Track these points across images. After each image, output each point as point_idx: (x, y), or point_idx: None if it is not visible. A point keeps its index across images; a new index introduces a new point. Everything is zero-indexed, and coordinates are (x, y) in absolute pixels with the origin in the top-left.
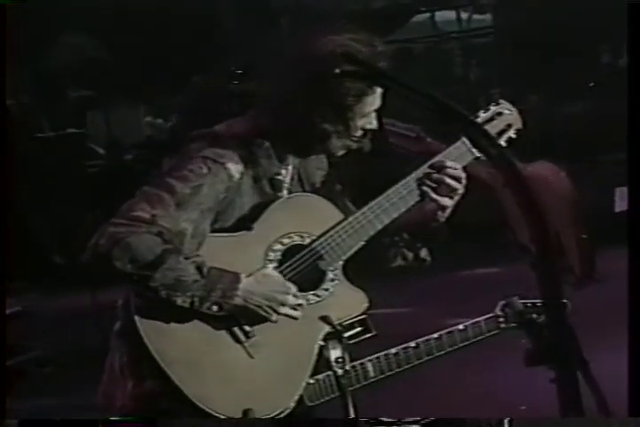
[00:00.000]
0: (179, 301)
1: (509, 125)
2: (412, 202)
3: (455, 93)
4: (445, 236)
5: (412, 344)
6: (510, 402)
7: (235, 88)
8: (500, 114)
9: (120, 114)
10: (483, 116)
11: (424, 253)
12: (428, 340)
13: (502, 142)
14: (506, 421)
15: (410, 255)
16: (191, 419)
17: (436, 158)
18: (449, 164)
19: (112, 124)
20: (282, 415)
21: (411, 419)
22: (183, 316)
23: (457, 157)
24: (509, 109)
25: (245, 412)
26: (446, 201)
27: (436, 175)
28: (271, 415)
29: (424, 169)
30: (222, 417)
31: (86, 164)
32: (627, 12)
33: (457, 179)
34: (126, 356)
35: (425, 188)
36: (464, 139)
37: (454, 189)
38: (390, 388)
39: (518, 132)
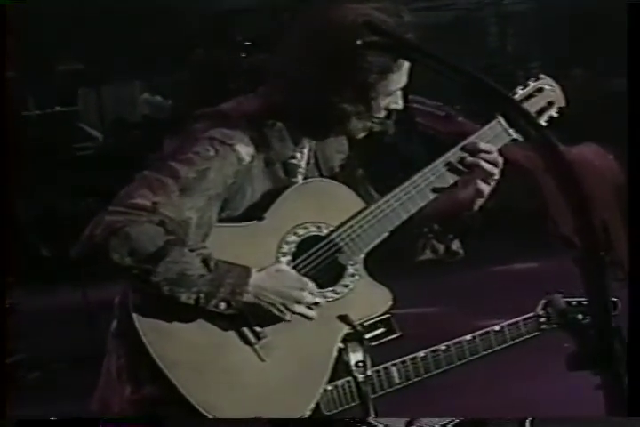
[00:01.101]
0: (183, 297)
1: (551, 103)
2: (442, 189)
3: (490, 67)
4: (479, 226)
5: (442, 347)
6: (550, 411)
7: (243, 62)
8: (540, 90)
9: (114, 90)
10: (521, 92)
11: (456, 245)
12: (459, 342)
13: (543, 122)
14: (527, 421)
15: (440, 248)
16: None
17: (469, 140)
18: (483, 146)
19: (105, 102)
20: None
21: (425, 420)
22: (187, 314)
23: (492, 139)
24: (551, 85)
25: (262, 419)
26: (482, 187)
27: (469, 159)
28: None
29: (455, 152)
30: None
31: (76, 146)
32: (627, 12)
33: (492, 163)
34: (124, 358)
35: (456, 173)
36: (500, 118)
37: (490, 174)
38: (414, 395)
39: (561, 110)
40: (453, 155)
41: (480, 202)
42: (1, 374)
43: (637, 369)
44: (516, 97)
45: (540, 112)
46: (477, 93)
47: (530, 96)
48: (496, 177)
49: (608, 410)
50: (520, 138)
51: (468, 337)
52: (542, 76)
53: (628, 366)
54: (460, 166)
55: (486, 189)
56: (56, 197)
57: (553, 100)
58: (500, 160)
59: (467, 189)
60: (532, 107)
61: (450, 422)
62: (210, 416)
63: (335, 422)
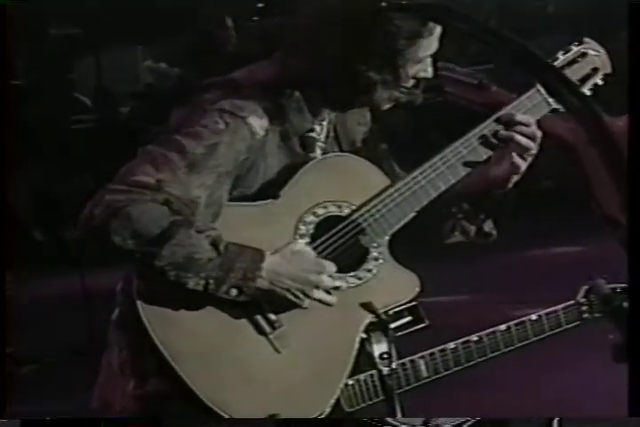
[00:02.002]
0: (190, 283)
1: (595, 69)
2: (475, 164)
3: (529, 31)
4: (513, 205)
5: (474, 338)
6: (588, 411)
7: (256, 25)
8: (583, 55)
9: (113, 57)
10: (562, 58)
11: (488, 226)
12: (493, 333)
13: (586, 90)
14: (555, 421)
15: (471, 229)
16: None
17: (505, 111)
18: (520, 117)
19: (104, 70)
20: None
21: (442, 419)
22: (195, 302)
23: (530, 110)
24: (596, 50)
25: (270, 418)
26: (518, 162)
27: (503, 132)
28: None
29: (489, 124)
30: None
31: (72, 118)
32: (627, 11)
33: (529, 136)
34: (126, 351)
35: (490, 147)
36: (539, 86)
37: (526, 149)
38: (433, 391)
39: (606, 77)
40: (487, 127)
41: (515, 179)
42: (1, 373)
43: (637, 369)
44: (557, 63)
45: (584, 80)
46: (514, 59)
47: (572, 62)
48: (533, 152)
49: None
50: (561, 108)
51: (503, 327)
52: (587, 39)
53: (630, 366)
54: (495, 140)
55: (522, 164)
56: (49, 175)
57: (598, 66)
58: (539, 133)
59: (500, 164)
60: (574, 74)
61: (465, 421)
62: (220, 413)
63: (345, 422)
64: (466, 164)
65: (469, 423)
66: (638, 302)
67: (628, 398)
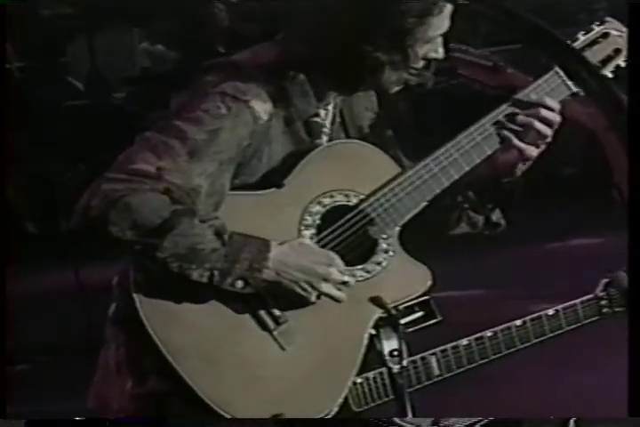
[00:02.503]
0: (194, 275)
1: (618, 51)
2: (489, 151)
3: (546, 9)
4: (521, 194)
5: (489, 334)
6: (607, 411)
7: (257, 6)
8: (605, 36)
9: (108, 39)
10: (583, 38)
11: (496, 215)
12: (508, 328)
13: (607, 73)
14: (572, 421)
15: (478, 219)
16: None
17: (522, 94)
18: (545, 101)
19: (98, 53)
20: None
21: (452, 420)
22: (197, 295)
23: (548, 93)
24: (618, 30)
25: (274, 418)
26: (531, 150)
27: (521, 117)
28: None
29: (505, 108)
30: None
31: (65, 104)
32: (627, 12)
33: (550, 122)
34: (124, 348)
35: (506, 132)
36: (557, 69)
37: (543, 136)
38: (452, 389)
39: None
40: (503, 112)
41: (524, 167)
42: (2, 374)
43: (637, 369)
44: (577, 44)
45: (605, 61)
46: (531, 40)
47: (593, 43)
48: (549, 139)
49: None
50: (581, 92)
51: (518, 322)
52: (608, 19)
53: (629, 366)
54: (511, 125)
55: (534, 152)
56: (42, 164)
57: (620, 47)
58: (558, 119)
59: (509, 151)
60: (595, 55)
61: (478, 421)
62: (222, 413)
63: (350, 422)
64: (480, 151)
65: (482, 423)
66: (638, 301)
67: (628, 398)
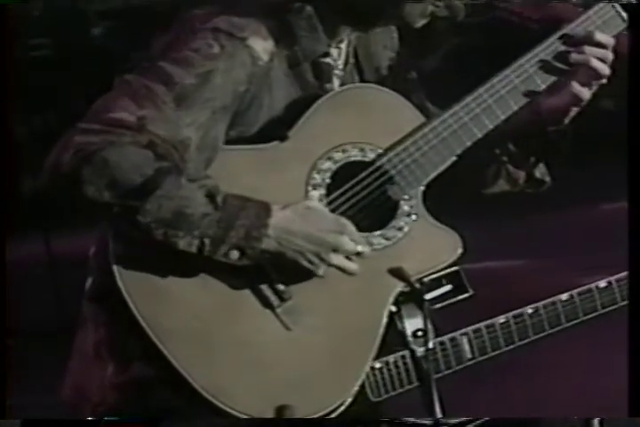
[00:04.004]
0: (181, 244)
1: None
2: (531, 95)
3: None
4: (570, 146)
5: (529, 310)
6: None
7: None
8: None
9: None
10: None
11: (540, 171)
12: (553, 303)
13: None
14: (596, 421)
15: (519, 175)
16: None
17: (570, 28)
18: (599, 36)
19: None
20: (334, 415)
21: (464, 419)
22: (187, 267)
23: (599, 27)
24: None
25: (279, 410)
26: (584, 93)
27: (574, 55)
28: (317, 415)
29: (550, 44)
30: (243, 417)
31: (31, 42)
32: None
33: (602, 58)
34: (103, 328)
35: (554, 72)
36: None
37: (599, 76)
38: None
39: None
40: (547, 49)
41: (574, 112)
42: (1, 374)
43: (637, 369)
44: None
45: None
46: None
47: None
48: (604, 80)
49: None
50: None
51: (564, 297)
52: None
53: (630, 366)
54: (560, 64)
55: (587, 94)
56: (4, 113)
57: None
58: (611, 56)
59: (558, 94)
60: None
61: (486, 420)
62: (218, 404)
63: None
64: (519, 96)
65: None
66: (638, 301)
67: (628, 398)
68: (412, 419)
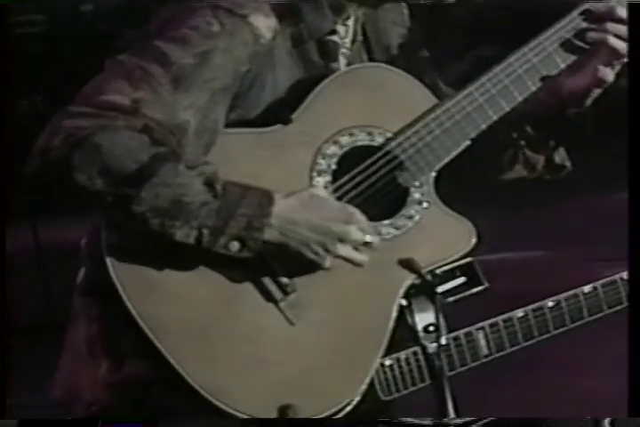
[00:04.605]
0: (179, 234)
1: None
2: (550, 75)
3: None
4: (589, 129)
5: (550, 303)
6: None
7: None
8: None
9: None
10: None
11: (560, 156)
12: (575, 296)
13: None
14: (606, 421)
15: (538, 160)
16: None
17: (591, 3)
18: (620, 12)
19: None
20: (340, 415)
21: (468, 419)
22: (184, 260)
23: (620, 1)
24: None
25: (282, 410)
26: (607, 73)
27: (594, 33)
28: (323, 415)
29: (570, 21)
30: (244, 417)
31: (17, 19)
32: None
33: (622, 36)
34: (96, 324)
35: (575, 51)
36: None
37: (620, 56)
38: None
39: None
40: (567, 26)
41: (596, 93)
42: (2, 373)
43: (637, 369)
44: None
45: None
46: None
47: None
48: (625, 59)
49: None
50: None
51: (587, 289)
52: None
53: (629, 366)
54: (580, 42)
55: (609, 74)
56: None
57: None
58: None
59: (580, 74)
60: None
61: (491, 421)
62: (218, 404)
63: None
64: (537, 75)
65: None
66: (638, 301)
67: (628, 398)
68: (410, 419)
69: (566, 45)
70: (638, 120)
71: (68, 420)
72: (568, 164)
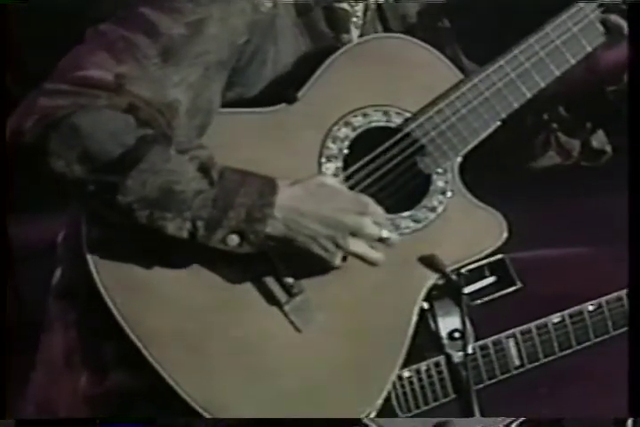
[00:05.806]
0: (170, 227)
1: None
2: (590, 48)
3: None
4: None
5: (589, 307)
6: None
7: None
8: None
9: None
10: None
11: (598, 139)
12: (618, 299)
13: None
14: (630, 421)
15: (574, 145)
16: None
17: None
18: None
19: None
20: None
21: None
22: (176, 257)
23: None
24: None
25: None
26: None
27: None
28: None
29: None
30: None
31: None
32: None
33: None
34: (74, 331)
35: (617, 20)
36: None
37: None
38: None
39: None
40: None
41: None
42: (2, 373)
43: (637, 369)
44: None
45: None
46: None
47: None
48: None
49: None
50: None
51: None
52: None
53: (629, 366)
54: (617, 17)
55: None
56: None
57: None
58: None
59: (618, 47)
60: None
61: (511, 422)
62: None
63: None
64: (574, 50)
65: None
66: (638, 301)
67: (628, 398)
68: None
69: (610, 12)
70: (638, 120)
71: (65, 420)
72: (608, 148)
